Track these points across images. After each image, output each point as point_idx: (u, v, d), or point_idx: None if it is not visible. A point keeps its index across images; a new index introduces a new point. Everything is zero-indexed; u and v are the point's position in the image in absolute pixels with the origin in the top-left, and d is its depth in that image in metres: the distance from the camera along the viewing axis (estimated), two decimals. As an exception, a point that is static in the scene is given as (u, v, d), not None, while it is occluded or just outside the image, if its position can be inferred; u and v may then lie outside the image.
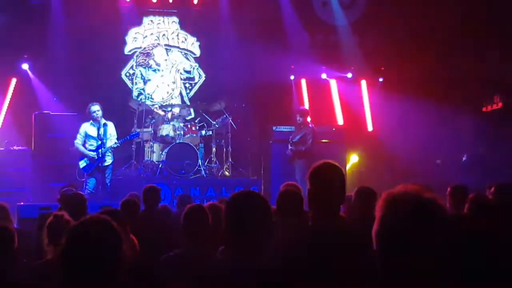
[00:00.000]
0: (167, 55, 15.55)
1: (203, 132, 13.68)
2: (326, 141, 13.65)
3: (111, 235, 2.60)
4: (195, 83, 15.66)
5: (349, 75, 15.83)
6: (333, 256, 3.13)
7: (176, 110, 13.91)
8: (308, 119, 12.84)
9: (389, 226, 2.06)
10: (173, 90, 15.44)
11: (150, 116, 13.68)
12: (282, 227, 4.69)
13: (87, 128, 11.46)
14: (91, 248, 2.55)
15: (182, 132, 13.23)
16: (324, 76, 15.71)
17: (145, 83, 15.25)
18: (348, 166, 14.31)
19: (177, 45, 15.65)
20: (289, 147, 12.60)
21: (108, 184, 11.57)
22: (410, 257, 2.00)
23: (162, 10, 15.66)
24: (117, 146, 11.55)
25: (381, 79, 15.80)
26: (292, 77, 15.69)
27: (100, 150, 11.34)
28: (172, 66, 15.51)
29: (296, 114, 12.96)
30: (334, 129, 14.30)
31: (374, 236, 2.13)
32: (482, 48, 14.00)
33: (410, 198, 2.07)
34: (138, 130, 12.99)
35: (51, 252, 4.62)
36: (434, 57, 14.06)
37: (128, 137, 11.94)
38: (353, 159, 15.09)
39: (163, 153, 12.98)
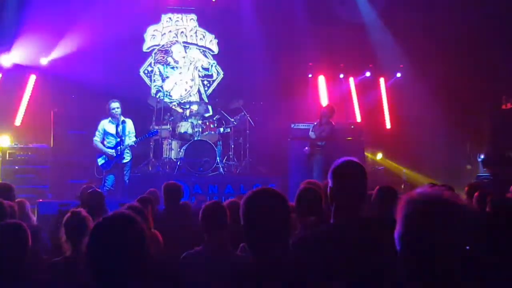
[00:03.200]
0: (185, 52, 15.57)
1: (221, 129, 13.66)
2: (350, 138, 13.63)
3: (136, 230, 2.60)
4: (213, 81, 15.66)
5: (368, 74, 15.80)
6: (354, 254, 3.12)
7: (195, 107, 13.92)
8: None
9: (411, 228, 2.03)
10: (191, 88, 15.46)
11: (168, 114, 13.70)
12: (301, 225, 4.68)
13: (106, 125, 11.50)
14: (117, 243, 2.54)
15: (200, 130, 13.23)
16: (341, 76, 15.73)
17: (163, 80, 15.28)
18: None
19: (195, 42, 15.66)
20: (310, 132, 12.64)
21: (127, 181, 11.61)
22: (434, 259, 1.97)
23: (181, 8, 15.69)
24: (136, 144, 11.59)
25: (399, 74, 15.73)
26: (311, 73, 15.68)
27: (118, 148, 11.39)
28: (191, 64, 15.52)
29: (323, 109, 12.92)
30: (352, 126, 14.26)
31: (396, 238, 2.10)
32: (501, 45, 13.85)
33: (430, 198, 2.04)
34: (156, 127, 13.02)
35: (69, 249, 4.63)
36: (454, 54, 13.95)
37: (147, 135, 11.98)
38: (378, 156, 15.11)
39: (181, 150, 13.00)
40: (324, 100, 15.30)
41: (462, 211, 2.03)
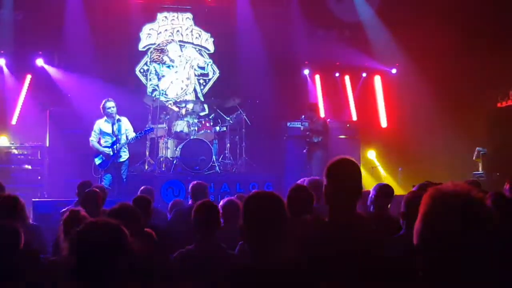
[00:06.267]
0: (181, 51, 15.56)
1: (217, 128, 13.65)
2: (344, 137, 13.67)
3: (115, 239, 2.56)
4: (209, 79, 15.66)
5: (364, 74, 15.84)
6: (350, 252, 3.13)
7: (190, 106, 13.90)
8: (320, 113, 12.92)
9: (437, 226, 1.97)
10: (187, 86, 15.45)
11: (164, 112, 13.67)
12: (294, 224, 4.69)
13: (102, 125, 11.49)
14: (93, 251, 2.53)
15: (196, 128, 13.21)
16: (337, 74, 15.77)
17: (159, 79, 15.26)
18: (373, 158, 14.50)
19: (191, 41, 15.65)
20: (301, 128, 12.72)
21: (124, 180, 11.59)
22: (457, 258, 1.92)
23: (176, 6, 15.68)
24: (132, 141, 11.57)
25: (394, 71, 15.75)
26: (306, 72, 15.70)
27: (115, 147, 11.37)
28: (186, 62, 15.52)
29: (307, 111, 12.97)
30: (348, 125, 14.28)
31: (416, 233, 2.03)
32: (498, 43, 13.87)
33: (460, 197, 1.98)
34: (152, 126, 13.00)
35: (66, 248, 4.60)
36: (450, 52, 13.96)
37: (142, 132, 11.96)
38: (371, 154, 15.10)
39: (178, 149, 12.98)
40: (320, 98, 15.33)
41: (488, 213, 1.99)
